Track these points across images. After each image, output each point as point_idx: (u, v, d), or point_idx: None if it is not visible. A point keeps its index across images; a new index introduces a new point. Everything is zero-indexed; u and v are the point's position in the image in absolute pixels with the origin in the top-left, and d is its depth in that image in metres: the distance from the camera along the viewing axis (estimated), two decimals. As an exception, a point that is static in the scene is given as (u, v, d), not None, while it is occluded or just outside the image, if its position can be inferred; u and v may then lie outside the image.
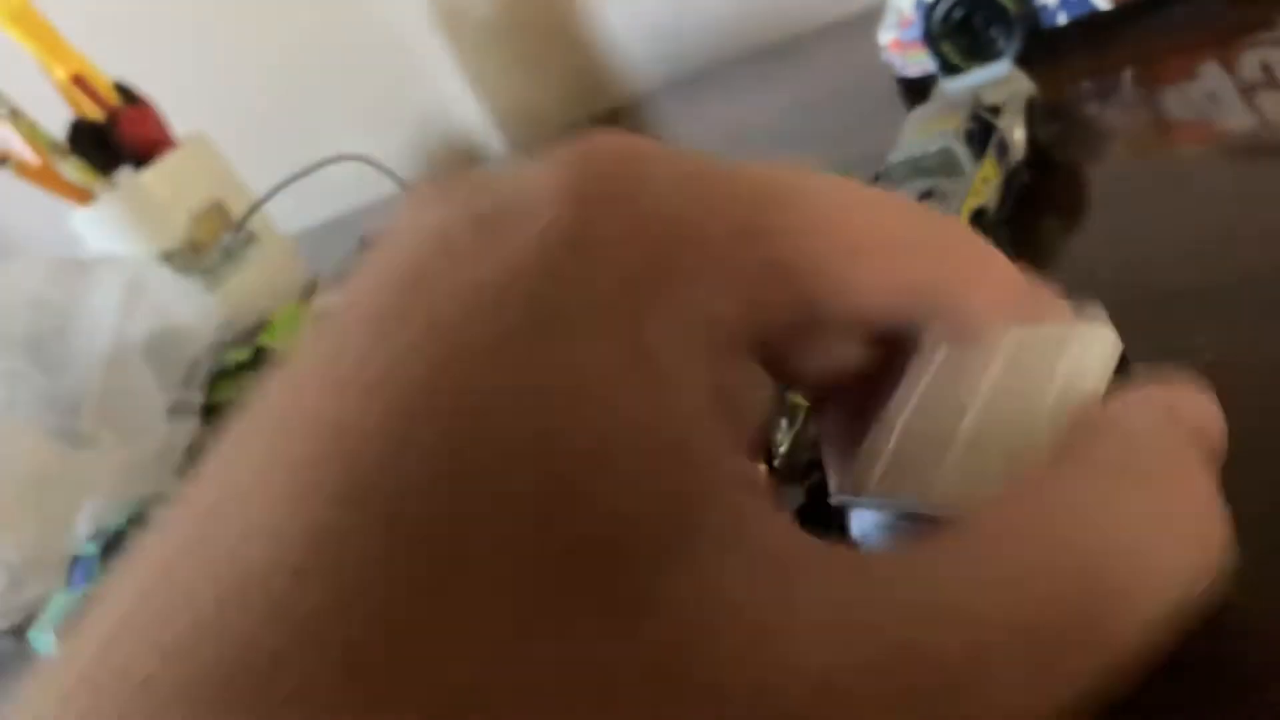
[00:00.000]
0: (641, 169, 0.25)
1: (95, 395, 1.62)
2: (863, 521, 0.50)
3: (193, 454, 1.66)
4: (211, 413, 1.67)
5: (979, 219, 0.96)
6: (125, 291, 1.73)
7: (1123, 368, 0.58)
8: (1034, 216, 1.08)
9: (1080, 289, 0.94)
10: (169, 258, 2.05)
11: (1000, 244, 0.97)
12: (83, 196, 2.03)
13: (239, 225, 1.60)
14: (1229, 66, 1.10)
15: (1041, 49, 1.25)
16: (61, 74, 1.88)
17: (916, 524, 0.49)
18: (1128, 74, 1.21)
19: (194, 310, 1.94)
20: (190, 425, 1.77)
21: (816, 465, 0.79)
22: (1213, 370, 0.75)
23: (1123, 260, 0.97)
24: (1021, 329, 0.56)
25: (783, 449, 0.83)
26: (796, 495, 0.80)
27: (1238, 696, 0.59)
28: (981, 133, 1.04)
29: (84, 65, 1.97)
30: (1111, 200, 1.07)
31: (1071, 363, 0.54)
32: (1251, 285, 0.83)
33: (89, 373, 1.65)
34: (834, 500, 0.50)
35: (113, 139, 1.95)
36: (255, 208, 1.37)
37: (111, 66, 2.05)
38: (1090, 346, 0.54)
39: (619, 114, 2.36)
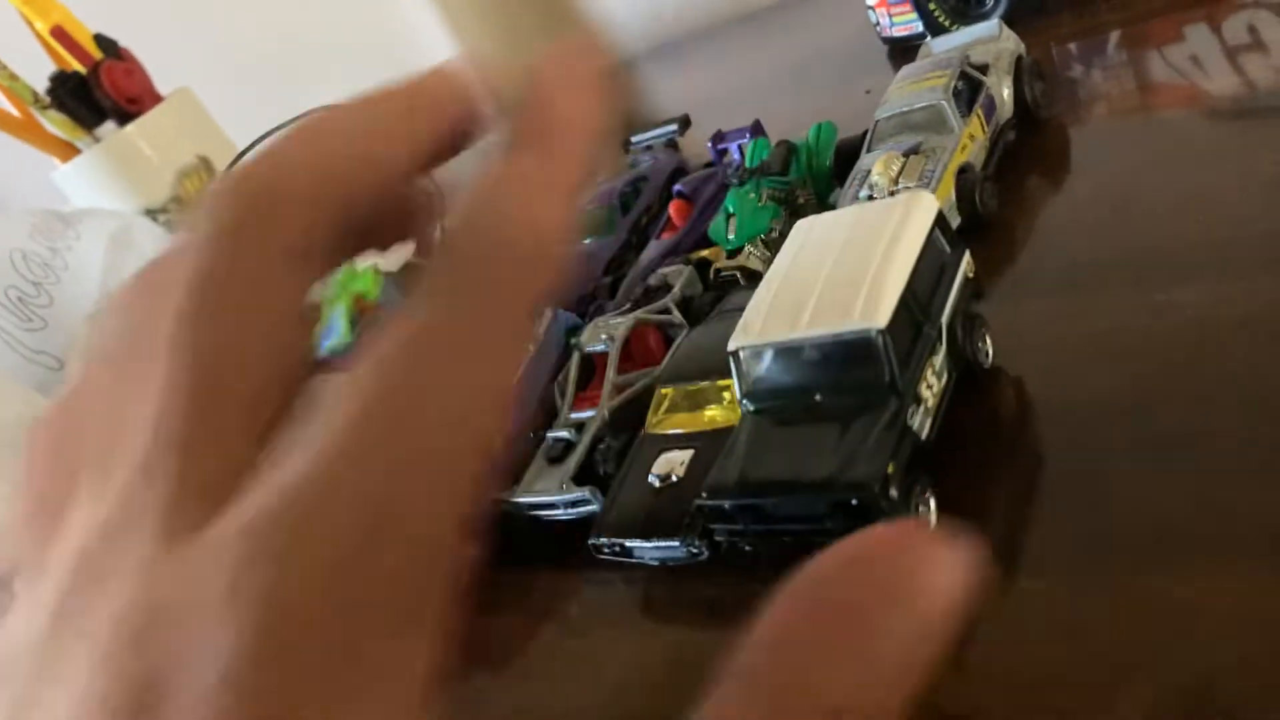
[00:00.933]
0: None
1: (80, 350, 1.61)
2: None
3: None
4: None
5: (965, 175, 0.97)
6: (111, 245, 1.72)
7: (944, 225, 0.79)
8: (1020, 173, 1.09)
9: (1064, 245, 0.94)
10: (155, 215, 2.04)
11: (985, 199, 0.98)
12: (66, 151, 2.01)
13: (210, 170, 1.59)
14: (1216, 28, 1.11)
15: (1029, 9, 1.25)
16: (42, 25, 1.86)
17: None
18: (1114, 35, 1.21)
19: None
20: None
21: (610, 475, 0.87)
22: (1195, 326, 0.77)
23: (1106, 217, 0.97)
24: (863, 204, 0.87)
25: (574, 464, 0.88)
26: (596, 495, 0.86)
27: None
28: (969, 90, 1.05)
29: (65, 16, 1.94)
30: (1096, 159, 1.08)
31: (897, 221, 0.75)
32: (1233, 244, 0.84)
33: (74, 328, 1.64)
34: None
35: (95, 92, 1.93)
36: (237, 159, 1.36)
37: (94, 21, 2.03)
38: (913, 208, 0.76)
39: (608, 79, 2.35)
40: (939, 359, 0.73)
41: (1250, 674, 0.53)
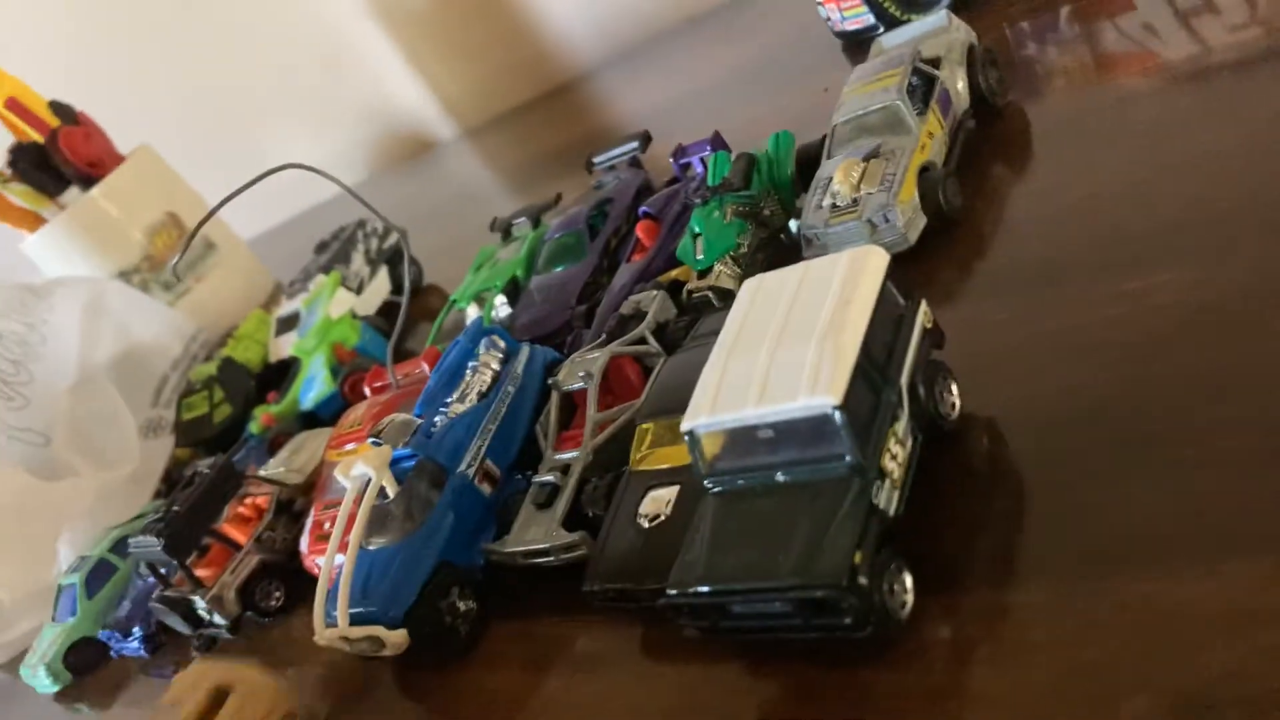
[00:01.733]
0: None
1: (64, 424, 1.60)
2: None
3: (169, 475, 1.66)
4: (184, 430, 1.66)
5: (927, 174, 0.96)
6: (85, 313, 1.71)
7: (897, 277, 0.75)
8: (982, 166, 1.07)
9: (1032, 238, 0.94)
10: (128, 276, 2.03)
11: (950, 198, 0.97)
12: (33, 222, 2.00)
13: (188, 240, 1.58)
14: (1166, -6, 1.10)
15: (977, -6, 1.24)
16: (-5, 100, 1.84)
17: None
18: (1065, 10, 1.20)
19: (158, 326, 1.92)
20: (164, 444, 1.77)
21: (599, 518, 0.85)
22: (1165, 315, 0.76)
23: (1073, 203, 0.96)
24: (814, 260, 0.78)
25: (562, 509, 0.87)
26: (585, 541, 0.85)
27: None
28: (924, 86, 1.04)
29: (18, 88, 1.92)
30: (1058, 142, 1.07)
31: (846, 278, 0.72)
32: (1204, 224, 0.82)
33: (56, 401, 1.63)
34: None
35: (55, 159, 1.92)
36: (202, 222, 1.35)
37: (47, 86, 2.01)
38: (862, 264, 0.73)
39: (565, 91, 2.35)
40: (901, 425, 0.70)
41: (1245, 679, 0.52)
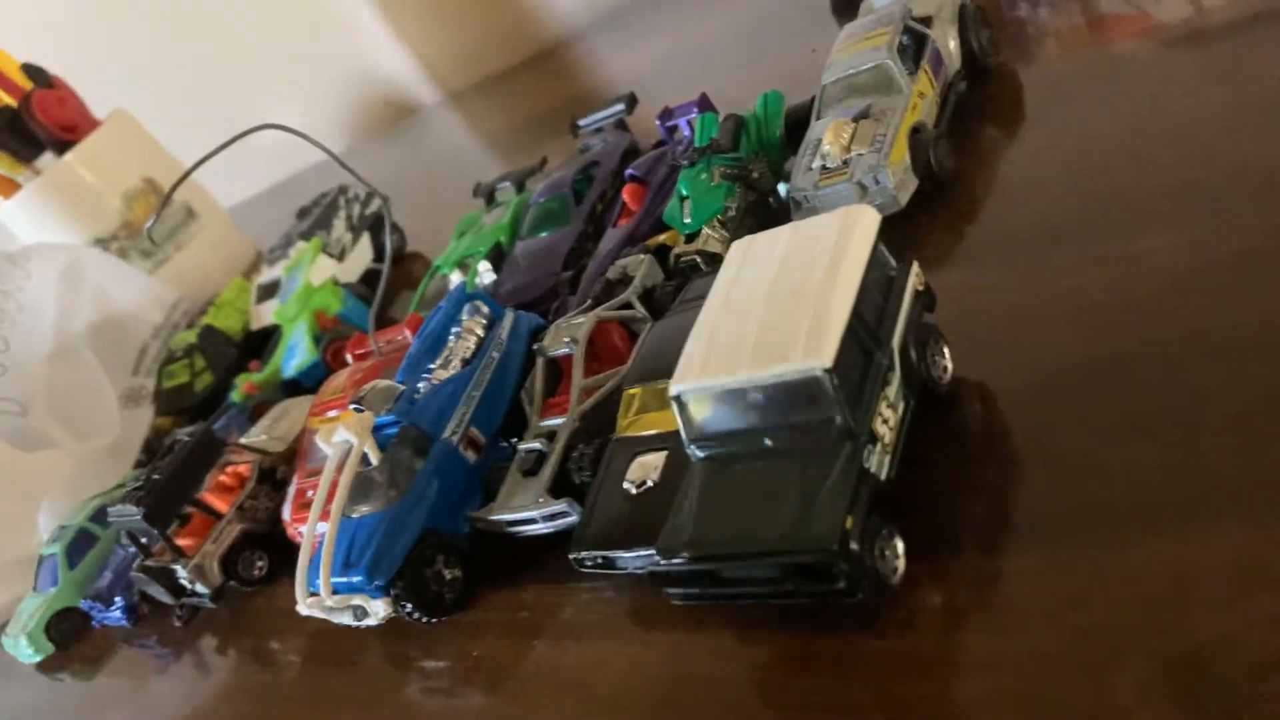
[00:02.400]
0: None
1: (42, 393, 1.58)
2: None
3: (150, 444, 1.64)
4: (165, 399, 1.64)
5: (918, 135, 0.94)
6: (62, 281, 1.67)
7: (888, 238, 0.73)
8: (973, 127, 1.05)
9: (1024, 201, 0.92)
10: (105, 243, 1.99)
11: (941, 159, 0.95)
12: (7, 188, 1.96)
13: (164, 199, 1.55)
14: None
15: (970, -48, 1.21)
16: (-36, 64, 1.80)
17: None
18: (1058, -30, 1.18)
19: (138, 294, 1.89)
20: (145, 413, 1.74)
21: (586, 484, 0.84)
22: (1160, 276, 0.75)
23: (1065, 165, 0.94)
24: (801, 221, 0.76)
25: (549, 476, 0.86)
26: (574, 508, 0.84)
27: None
28: (914, 45, 1.02)
29: (-13, 52, 1.88)
30: (1049, 103, 1.05)
31: (837, 239, 0.70)
32: (1200, 186, 0.81)
33: (33, 370, 1.60)
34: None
35: (28, 123, 1.88)
36: (179, 182, 1.32)
37: (19, 49, 1.97)
38: (853, 224, 0.71)
39: (550, 55, 2.31)
40: (893, 389, 0.69)
41: (1244, 644, 0.52)
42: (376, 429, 0.94)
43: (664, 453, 0.80)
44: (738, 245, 0.78)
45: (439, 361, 0.99)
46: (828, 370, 0.63)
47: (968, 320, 0.80)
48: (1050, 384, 0.72)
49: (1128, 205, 0.82)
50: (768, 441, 0.67)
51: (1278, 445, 0.59)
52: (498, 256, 1.31)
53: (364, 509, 0.91)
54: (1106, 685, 0.54)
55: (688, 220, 1.04)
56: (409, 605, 0.89)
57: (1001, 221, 0.91)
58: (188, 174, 1.36)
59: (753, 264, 0.74)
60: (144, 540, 1.19)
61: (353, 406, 0.95)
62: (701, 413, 0.70)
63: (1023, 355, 0.76)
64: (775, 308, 0.68)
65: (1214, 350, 0.66)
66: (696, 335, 0.72)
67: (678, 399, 0.70)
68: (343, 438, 0.91)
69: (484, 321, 1.03)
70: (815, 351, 0.64)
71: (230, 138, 1.31)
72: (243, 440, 1.25)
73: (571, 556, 0.80)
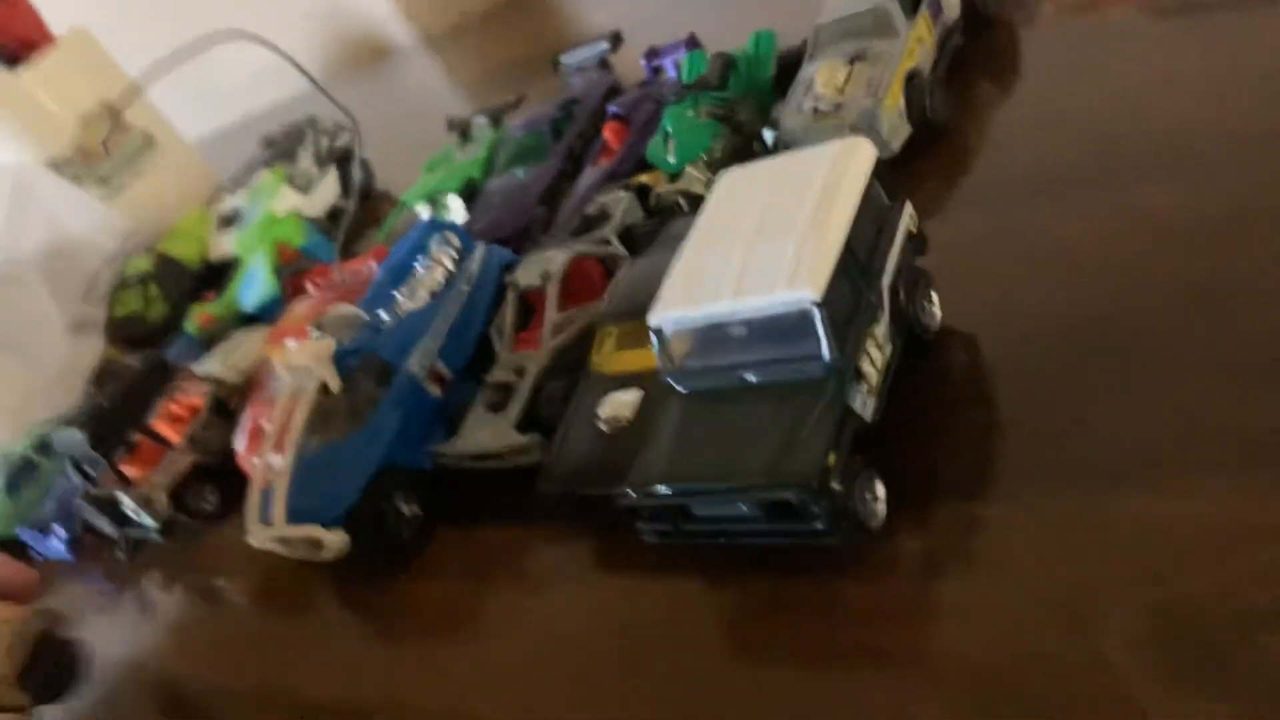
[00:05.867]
0: None
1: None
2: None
3: (98, 374, 1.58)
4: (116, 328, 1.58)
5: (914, 81, 0.91)
6: (10, 201, 1.60)
7: (883, 175, 0.70)
8: (970, 77, 1.02)
9: (1018, 153, 0.90)
10: (59, 166, 1.91)
11: (936, 106, 0.93)
12: (-47, 102, 1.87)
13: (115, 116, 1.47)
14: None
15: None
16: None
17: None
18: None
19: (92, 220, 1.81)
20: (94, 343, 1.67)
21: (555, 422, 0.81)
22: (1153, 230, 0.73)
23: (1060, 118, 0.92)
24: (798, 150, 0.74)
25: (517, 411, 0.83)
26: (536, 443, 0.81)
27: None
28: (914, -10, 0.99)
29: (-63, -46, 1.79)
30: (1047, 58, 1.02)
31: (831, 171, 0.67)
32: (1199, 141, 0.78)
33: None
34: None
35: (-22, 36, 1.79)
36: (133, 94, 1.25)
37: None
38: (849, 157, 0.68)
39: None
40: (881, 329, 0.66)
41: (1235, 596, 0.50)
42: (337, 359, 0.90)
43: (639, 392, 0.77)
44: (726, 175, 0.74)
45: (405, 292, 0.95)
46: (816, 303, 0.61)
47: (957, 269, 0.78)
48: (1038, 335, 0.70)
49: (1125, 159, 0.80)
50: (750, 377, 0.65)
51: (1266, 400, 0.57)
52: (470, 194, 1.27)
53: (321, 439, 0.88)
54: (1091, 636, 0.52)
55: (671, 158, 1.00)
56: (365, 541, 0.85)
57: (995, 171, 0.88)
58: (144, 86, 1.29)
59: (741, 193, 0.71)
60: (89, 468, 1.14)
61: (313, 333, 0.90)
62: (682, 346, 0.67)
63: (1011, 305, 0.74)
64: (764, 238, 0.65)
65: (1203, 305, 0.65)
66: (680, 265, 0.69)
67: (657, 331, 0.67)
68: (302, 364, 0.87)
69: (453, 253, 0.99)
70: (805, 283, 0.61)
71: (192, 44, 1.25)
72: (196, 369, 1.20)
73: (539, 489, 0.77)
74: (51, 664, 0.94)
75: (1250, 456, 0.55)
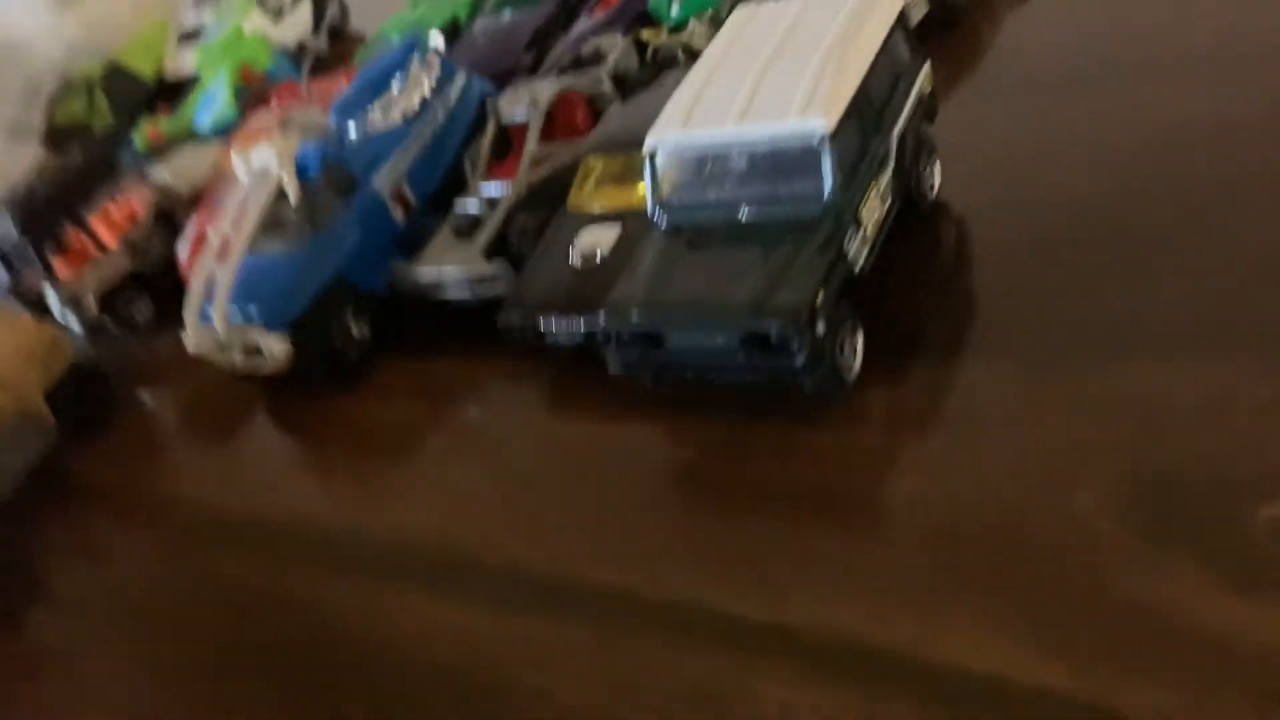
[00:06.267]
0: None
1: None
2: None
3: (33, 180, 1.49)
4: (55, 136, 1.48)
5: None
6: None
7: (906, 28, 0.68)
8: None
9: (1041, 41, 0.87)
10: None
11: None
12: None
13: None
14: None
15: None
16: None
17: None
18: None
19: (37, 24, 1.70)
20: (30, 149, 1.58)
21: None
22: (1185, 125, 0.71)
23: (1073, 16, 0.90)
24: None
25: (485, 239, 0.79)
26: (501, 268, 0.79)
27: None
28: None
29: None
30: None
31: (855, 13, 0.64)
32: (1229, 51, 0.77)
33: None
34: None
35: None
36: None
37: None
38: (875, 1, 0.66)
39: None
40: (885, 180, 0.64)
41: (1209, 467, 0.49)
42: (300, 164, 0.84)
43: (618, 228, 0.73)
44: (742, 10, 0.71)
45: (378, 108, 0.90)
46: (826, 135, 0.58)
47: (961, 149, 0.76)
48: (1035, 216, 0.70)
49: (1152, 60, 0.78)
50: (744, 213, 0.62)
51: (1254, 286, 0.56)
52: (453, 33, 1.20)
53: (275, 245, 0.83)
54: (1065, 496, 0.51)
55: (675, 12, 0.95)
56: (309, 355, 0.81)
57: (1007, 61, 0.86)
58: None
59: (758, 26, 0.68)
60: (14, 258, 1.07)
61: (278, 126, 0.85)
62: (676, 175, 0.64)
63: (1011, 186, 0.73)
64: (778, 68, 0.62)
65: (1197, 201, 0.64)
66: (684, 90, 0.65)
67: (651, 155, 0.64)
68: (262, 160, 0.81)
69: (433, 77, 0.93)
70: (819, 112, 0.58)
71: None
72: (146, 171, 1.13)
73: (500, 320, 0.74)
74: (77, 390, 0.98)
75: (1237, 338, 0.56)
